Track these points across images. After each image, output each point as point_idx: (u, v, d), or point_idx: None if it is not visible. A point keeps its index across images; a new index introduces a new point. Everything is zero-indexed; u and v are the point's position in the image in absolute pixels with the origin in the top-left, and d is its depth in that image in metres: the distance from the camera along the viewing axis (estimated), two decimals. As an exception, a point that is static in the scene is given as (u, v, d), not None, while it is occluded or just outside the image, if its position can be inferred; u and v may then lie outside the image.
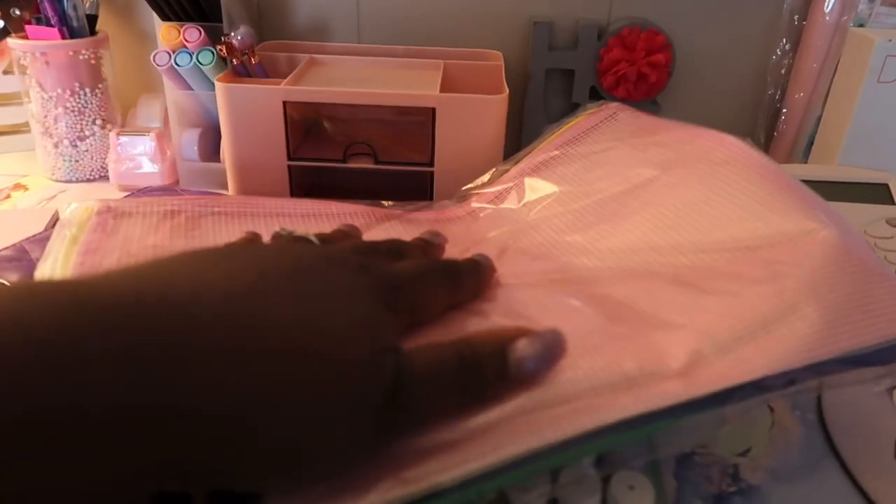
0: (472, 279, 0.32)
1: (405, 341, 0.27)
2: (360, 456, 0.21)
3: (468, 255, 0.34)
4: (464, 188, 0.46)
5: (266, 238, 0.33)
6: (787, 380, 0.24)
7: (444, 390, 0.22)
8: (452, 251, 0.37)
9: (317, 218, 0.40)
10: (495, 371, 0.23)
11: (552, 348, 0.24)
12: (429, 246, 0.35)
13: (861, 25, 0.60)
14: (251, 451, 0.18)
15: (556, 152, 0.43)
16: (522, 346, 0.24)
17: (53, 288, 0.17)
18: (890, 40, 0.53)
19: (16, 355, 0.14)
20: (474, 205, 0.44)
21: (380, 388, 0.21)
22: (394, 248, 0.32)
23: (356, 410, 0.20)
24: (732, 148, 0.35)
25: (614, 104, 0.45)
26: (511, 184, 0.43)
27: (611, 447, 0.24)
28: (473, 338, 0.24)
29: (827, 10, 0.61)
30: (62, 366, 0.15)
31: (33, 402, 0.14)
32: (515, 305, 0.31)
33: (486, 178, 0.45)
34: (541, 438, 0.22)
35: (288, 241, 0.29)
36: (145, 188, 0.51)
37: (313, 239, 0.29)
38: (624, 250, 0.34)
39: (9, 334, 0.15)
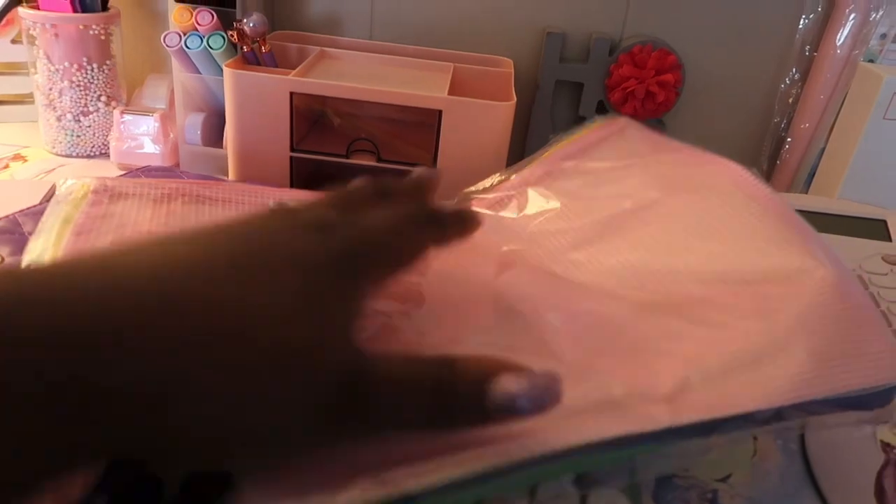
0: (457, 230, 0.30)
1: (385, 295, 0.26)
2: (314, 446, 0.21)
3: (468, 267, 0.34)
4: (464, 191, 0.46)
5: None
6: (771, 415, 0.24)
7: (412, 406, 0.22)
8: (447, 254, 0.36)
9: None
10: (471, 404, 0.22)
11: (544, 392, 0.21)
12: (421, 182, 0.32)
13: (871, 61, 0.60)
14: (174, 431, 0.18)
15: (561, 164, 0.43)
16: (506, 385, 0.21)
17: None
18: (899, 78, 0.53)
19: None
20: (473, 209, 0.44)
21: (327, 379, 0.20)
22: (380, 190, 0.29)
23: (296, 398, 0.20)
24: (737, 177, 0.35)
25: (623, 119, 0.45)
26: (512, 192, 0.43)
27: (592, 466, 0.24)
28: (459, 360, 0.22)
29: (838, 43, 0.61)
30: None
31: None
32: (507, 321, 0.31)
33: (487, 183, 0.45)
34: (522, 450, 0.22)
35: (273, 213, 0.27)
36: (145, 167, 0.51)
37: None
38: (622, 272, 0.34)
39: None
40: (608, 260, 0.35)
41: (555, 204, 0.40)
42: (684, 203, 0.36)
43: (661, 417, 0.24)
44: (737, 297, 0.30)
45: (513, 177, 0.44)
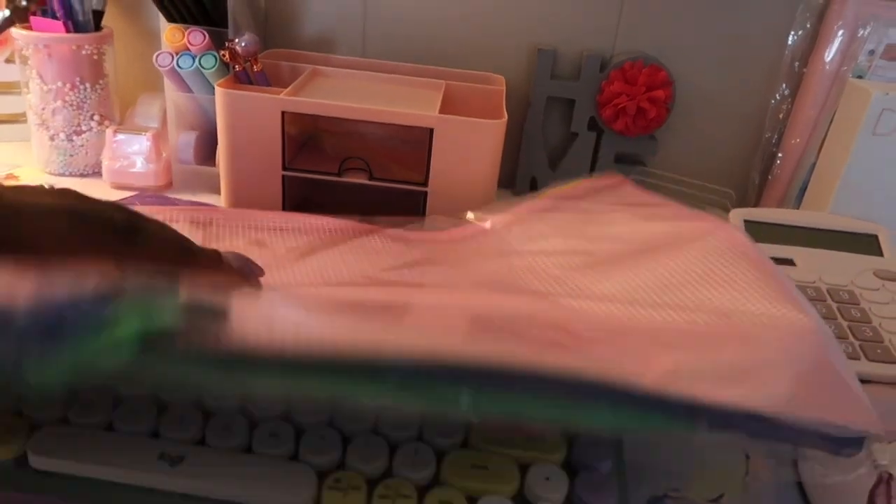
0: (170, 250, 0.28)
1: None
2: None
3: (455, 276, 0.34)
4: (459, 217, 0.46)
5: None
6: (753, 425, 0.25)
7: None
8: (442, 268, 0.37)
9: (307, 233, 0.40)
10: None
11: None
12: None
13: (860, 77, 0.61)
14: None
15: (556, 202, 0.44)
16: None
17: None
18: (887, 93, 0.54)
19: None
20: (469, 215, 0.44)
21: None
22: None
23: None
24: (730, 234, 0.36)
25: (619, 176, 0.47)
26: (509, 216, 0.44)
27: (578, 420, 0.24)
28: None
29: (827, 59, 0.62)
30: None
31: None
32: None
33: (481, 213, 0.46)
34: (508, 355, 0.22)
35: None
36: (138, 194, 0.51)
37: None
38: (609, 297, 0.35)
39: None
40: (598, 287, 0.36)
41: (550, 233, 0.41)
42: (677, 250, 0.37)
43: (649, 381, 0.24)
44: (722, 326, 0.31)
45: (510, 207, 0.45)
